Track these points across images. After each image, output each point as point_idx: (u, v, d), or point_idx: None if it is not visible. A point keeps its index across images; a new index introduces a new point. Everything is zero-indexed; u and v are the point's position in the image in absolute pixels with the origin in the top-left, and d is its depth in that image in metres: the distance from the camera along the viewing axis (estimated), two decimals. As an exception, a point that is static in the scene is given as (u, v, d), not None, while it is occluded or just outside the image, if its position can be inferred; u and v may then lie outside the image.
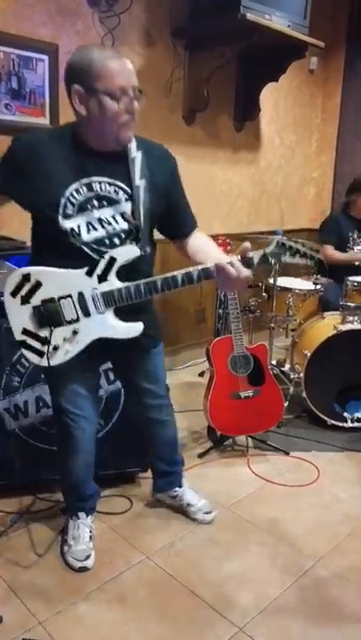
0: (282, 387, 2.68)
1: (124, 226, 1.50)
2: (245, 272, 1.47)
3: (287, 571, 1.81)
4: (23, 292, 1.49)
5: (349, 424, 2.70)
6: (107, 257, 1.46)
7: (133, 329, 1.53)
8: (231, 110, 3.54)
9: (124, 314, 1.52)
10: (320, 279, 3.10)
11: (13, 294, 1.50)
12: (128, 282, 1.49)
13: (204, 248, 1.66)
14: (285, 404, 2.71)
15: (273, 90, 3.63)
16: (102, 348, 1.55)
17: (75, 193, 1.44)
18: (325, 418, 2.73)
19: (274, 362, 3.19)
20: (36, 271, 1.48)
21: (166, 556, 1.85)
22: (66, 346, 1.51)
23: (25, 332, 1.51)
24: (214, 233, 3.28)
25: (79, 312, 1.49)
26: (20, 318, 1.51)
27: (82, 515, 1.87)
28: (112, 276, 1.47)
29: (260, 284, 2.97)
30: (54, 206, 1.44)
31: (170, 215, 1.63)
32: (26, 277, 1.48)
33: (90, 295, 1.48)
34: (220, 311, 2.72)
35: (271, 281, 2.91)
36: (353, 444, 2.62)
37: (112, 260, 1.46)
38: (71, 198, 1.44)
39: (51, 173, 1.43)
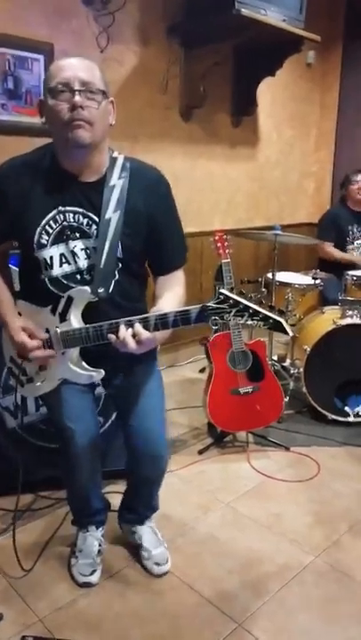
0: (283, 382, 2.68)
1: (87, 262, 1.38)
2: (129, 336, 1.24)
3: (287, 566, 1.81)
4: None
5: (351, 419, 2.70)
6: (66, 295, 1.38)
7: (91, 377, 1.42)
8: (228, 106, 3.54)
9: (96, 355, 1.42)
10: (319, 274, 3.10)
11: None
12: (91, 324, 1.34)
13: (163, 301, 1.43)
14: (286, 400, 2.71)
15: (270, 85, 3.62)
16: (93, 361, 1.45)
17: (51, 222, 1.35)
18: (326, 413, 2.73)
19: (275, 357, 3.19)
20: (18, 304, 1.50)
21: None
22: (37, 380, 1.50)
23: (11, 359, 1.55)
24: (213, 229, 3.30)
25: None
26: (8, 347, 1.56)
27: (91, 527, 1.82)
28: (72, 316, 1.37)
29: (260, 279, 2.97)
30: (29, 238, 1.36)
31: (153, 250, 1.45)
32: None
33: (53, 333, 1.40)
34: (219, 307, 2.71)
35: (270, 276, 2.91)
36: (353, 439, 2.61)
37: (69, 300, 1.37)
38: (47, 228, 1.36)
39: (25, 205, 1.35)
